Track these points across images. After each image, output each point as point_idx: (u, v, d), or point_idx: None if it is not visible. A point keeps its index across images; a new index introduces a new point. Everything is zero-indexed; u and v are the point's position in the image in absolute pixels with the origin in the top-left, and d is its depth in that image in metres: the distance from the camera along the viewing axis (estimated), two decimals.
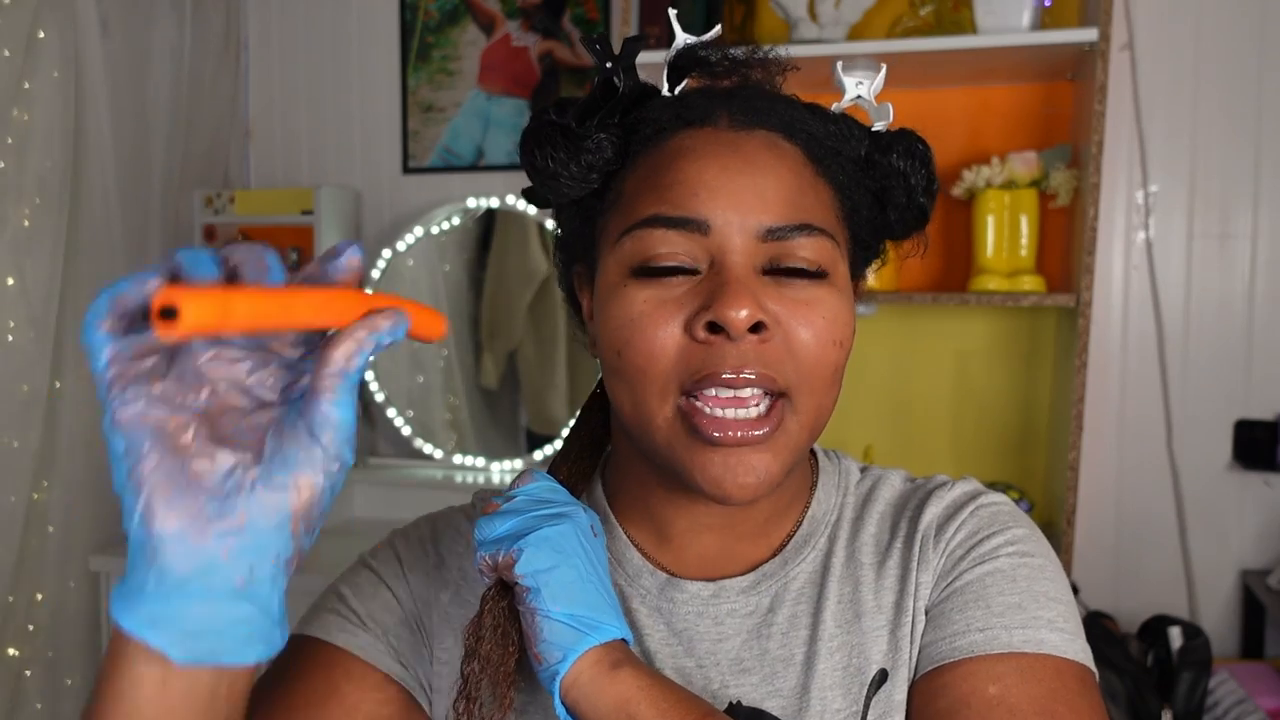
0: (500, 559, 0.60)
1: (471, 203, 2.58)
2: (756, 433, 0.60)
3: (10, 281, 2.11)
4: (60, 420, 2.23)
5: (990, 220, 2.07)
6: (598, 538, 0.64)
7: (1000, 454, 2.28)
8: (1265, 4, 2.12)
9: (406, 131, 2.65)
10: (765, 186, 0.61)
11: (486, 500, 0.68)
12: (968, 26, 2.04)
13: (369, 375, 2.66)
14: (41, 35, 2.13)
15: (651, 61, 2.60)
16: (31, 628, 2.20)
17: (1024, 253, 2.07)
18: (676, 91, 0.68)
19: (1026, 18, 1.94)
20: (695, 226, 0.60)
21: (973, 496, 0.70)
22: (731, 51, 0.68)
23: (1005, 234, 2.08)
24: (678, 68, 0.68)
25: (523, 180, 0.69)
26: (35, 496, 2.20)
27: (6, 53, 2.07)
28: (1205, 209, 2.18)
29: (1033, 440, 2.26)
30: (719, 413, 0.59)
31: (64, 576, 2.26)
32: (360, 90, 2.69)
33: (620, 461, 0.72)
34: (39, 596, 2.21)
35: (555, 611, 0.58)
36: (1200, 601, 2.20)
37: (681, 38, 0.67)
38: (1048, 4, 2.05)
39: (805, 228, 0.61)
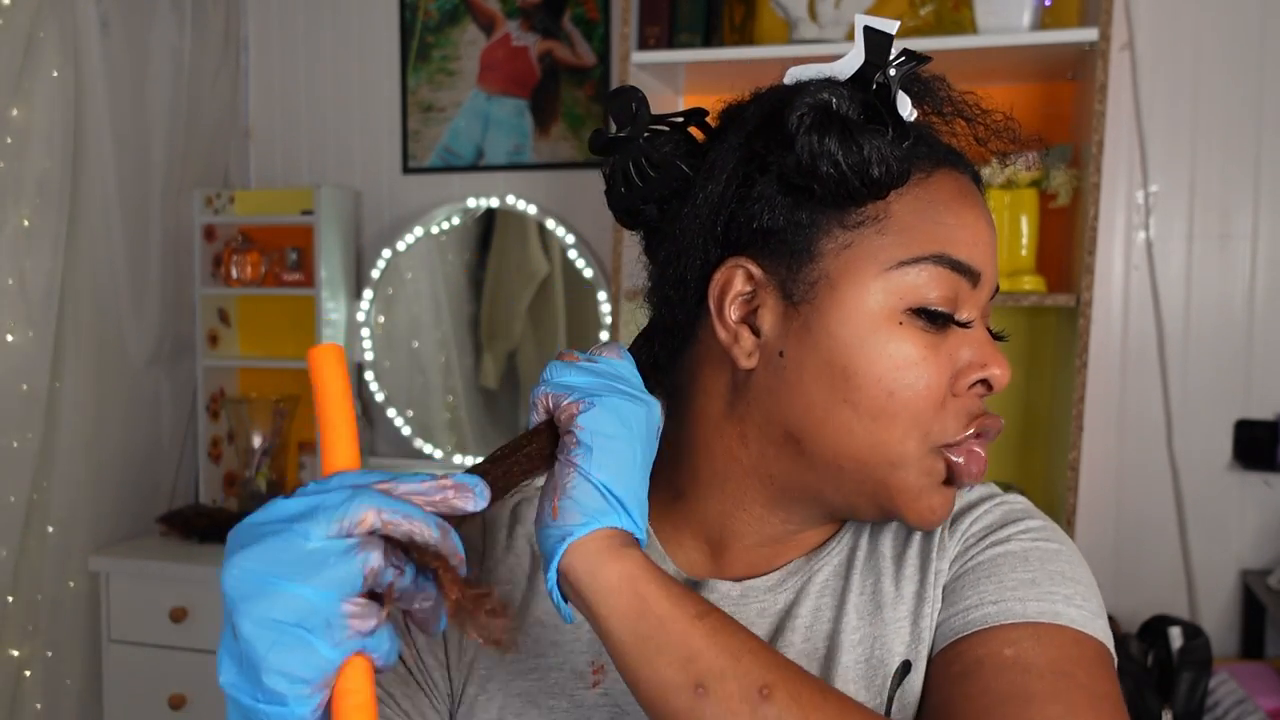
0: (564, 403, 0.56)
1: (471, 203, 2.57)
2: (982, 469, 0.65)
3: (10, 281, 2.11)
4: (60, 420, 2.23)
5: None
6: (656, 441, 0.60)
7: (1000, 454, 2.28)
8: (1265, 4, 2.12)
9: (406, 131, 2.65)
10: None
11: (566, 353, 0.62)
12: (968, 26, 2.04)
13: (370, 375, 2.66)
14: (41, 35, 2.13)
15: (653, 61, 2.57)
16: (31, 628, 2.20)
17: (1024, 253, 2.07)
18: (912, 118, 0.64)
19: (1026, 18, 1.94)
20: (973, 278, 0.63)
21: (992, 494, 0.70)
22: (955, 99, 0.67)
23: (1005, 234, 2.08)
24: (904, 90, 0.63)
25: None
26: (35, 496, 2.20)
27: (6, 52, 2.07)
28: (1205, 209, 2.18)
29: (1033, 440, 2.26)
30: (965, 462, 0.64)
31: (64, 576, 2.26)
32: (360, 90, 2.69)
33: (708, 482, 0.68)
34: (39, 596, 2.21)
35: (596, 476, 0.54)
36: (1200, 601, 2.20)
37: (899, 47, 0.62)
38: (1048, 4, 2.05)
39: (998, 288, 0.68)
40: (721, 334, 0.64)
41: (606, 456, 0.54)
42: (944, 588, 0.66)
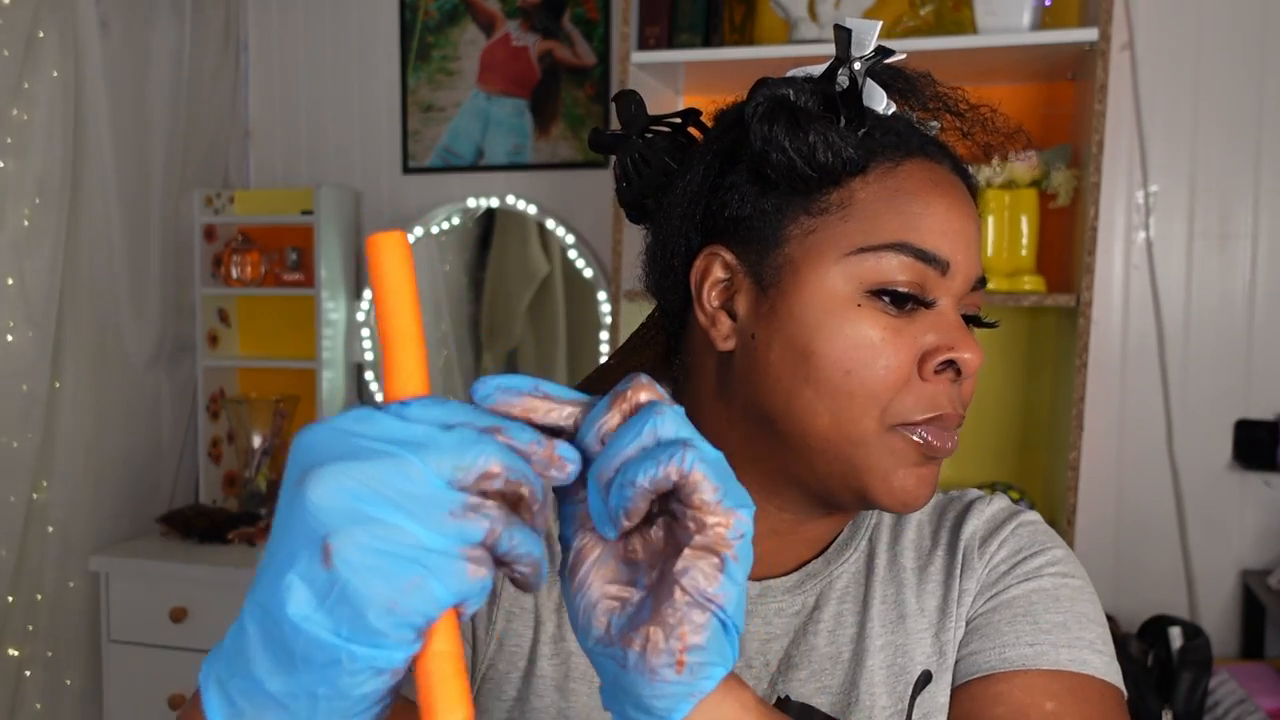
0: (716, 506, 0.41)
1: (471, 203, 2.57)
2: (950, 445, 0.64)
3: (10, 281, 2.11)
4: (60, 420, 2.23)
5: (990, 220, 2.07)
6: None
7: (1000, 454, 2.28)
8: (1266, 4, 2.12)
9: (406, 131, 2.65)
10: (978, 238, 0.66)
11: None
12: (968, 26, 2.04)
13: (370, 375, 2.66)
14: (41, 35, 2.13)
15: (653, 61, 2.57)
16: (31, 628, 2.20)
17: (1024, 253, 2.07)
18: (890, 112, 0.66)
19: (1026, 18, 1.94)
20: (940, 266, 0.62)
21: (1012, 514, 0.72)
22: (943, 94, 0.69)
23: (1005, 234, 2.08)
24: (884, 85, 0.65)
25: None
26: (35, 496, 2.20)
27: (6, 53, 2.07)
28: (1205, 209, 2.18)
29: (1033, 440, 2.26)
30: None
31: (64, 576, 2.26)
32: (360, 90, 2.69)
33: None
34: (39, 596, 2.21)
35: (733, 617, 0.42)
36: (1200, 601, 2.20)
37: (874, 45, 0.64)
38: (1048, 4, 2.05)
39: (985, 281, 0.67)
40: (701, 318, 0.66)
41: (742, 587, 0.42)
42: (976, 614, 0.68)
